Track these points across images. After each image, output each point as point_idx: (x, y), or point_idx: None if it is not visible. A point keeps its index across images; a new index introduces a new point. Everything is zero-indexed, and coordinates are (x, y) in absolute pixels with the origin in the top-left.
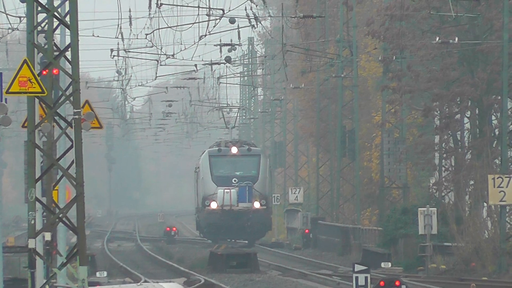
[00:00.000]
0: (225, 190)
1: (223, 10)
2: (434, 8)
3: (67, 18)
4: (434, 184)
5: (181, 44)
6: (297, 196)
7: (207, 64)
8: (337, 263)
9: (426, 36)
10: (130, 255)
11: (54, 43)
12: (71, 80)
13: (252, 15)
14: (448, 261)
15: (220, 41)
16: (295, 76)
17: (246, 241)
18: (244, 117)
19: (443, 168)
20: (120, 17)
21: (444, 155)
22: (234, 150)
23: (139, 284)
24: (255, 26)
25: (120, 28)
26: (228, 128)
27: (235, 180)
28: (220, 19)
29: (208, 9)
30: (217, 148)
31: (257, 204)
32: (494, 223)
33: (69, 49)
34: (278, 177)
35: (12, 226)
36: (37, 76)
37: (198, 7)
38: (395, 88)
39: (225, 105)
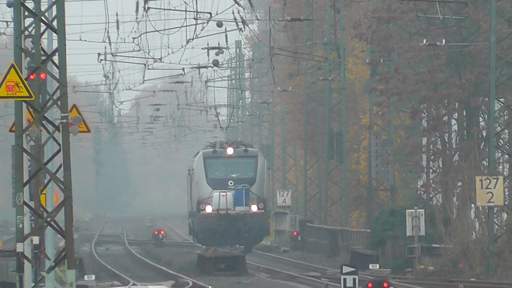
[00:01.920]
0: (221, 193)
1: (210, 13)
2: (421, 10)
3: (55, 23)
4: (422, 186)
5: (169, 47)
6: (285, 199)
7: (194, 67)
8: (325, 265)
9: (413, 39)
10: (118, 259)
11: (42, 47)
12: (58, 84)
13: (240, 19)
14: (436, 263)
15: (208, 44)
16: (283, 79)
17: (243, 247)
18: (232, 120)
19: (431, 170)
20: (107, 21)
21: (432, 157)
22: (230, 151)
23: (127, 287)
24: (243, 29)
25: (108, 32)
26: (221, 128)
27: (231, 183)
28: (207, 23)
29: (195, 13)
30: (212, 149)
31: (254, 208)
32: (481, 224)
33: (57, 53)
34: None
35: (0, 231)
36: (24, 80)
37: (186, 10)
38: (383, 90)
39: (218, 104)
